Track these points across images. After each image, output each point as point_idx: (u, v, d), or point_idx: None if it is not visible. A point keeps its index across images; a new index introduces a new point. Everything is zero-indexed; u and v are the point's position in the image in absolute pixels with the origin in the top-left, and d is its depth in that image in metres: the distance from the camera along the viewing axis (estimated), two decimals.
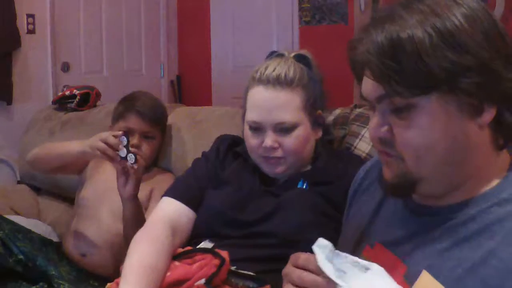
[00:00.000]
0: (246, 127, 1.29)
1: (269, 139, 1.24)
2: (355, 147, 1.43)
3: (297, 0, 3.56)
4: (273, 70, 1.24)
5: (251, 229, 1.20)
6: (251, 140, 1.28)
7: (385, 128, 0.77)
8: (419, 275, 0.76)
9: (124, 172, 1.42)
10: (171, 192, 1.31)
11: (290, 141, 1.25)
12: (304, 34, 3.56)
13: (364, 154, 1.39)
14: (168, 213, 1.26)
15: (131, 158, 1.38)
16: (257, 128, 1.26)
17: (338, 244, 0.98)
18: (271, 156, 1.25)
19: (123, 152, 1.38)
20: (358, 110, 1.54)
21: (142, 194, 1.56)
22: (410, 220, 0.83)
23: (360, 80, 0.81)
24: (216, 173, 1.33)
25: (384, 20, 0.74)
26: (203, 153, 1.42)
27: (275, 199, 1.24)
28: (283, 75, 1.24)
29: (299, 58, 1.30)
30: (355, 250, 0.92)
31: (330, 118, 1.53)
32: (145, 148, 1.64)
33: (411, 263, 0.79)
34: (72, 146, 1.55)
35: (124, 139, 1.38)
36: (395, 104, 0.74)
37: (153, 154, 1.70)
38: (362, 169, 1.06)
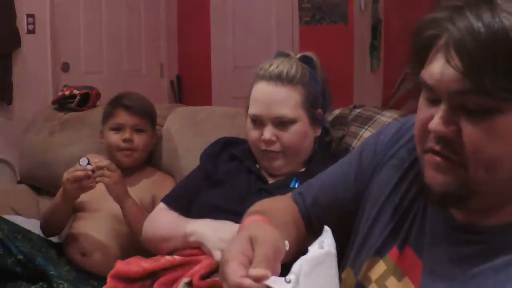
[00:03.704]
0: (248, 121, 1.35)
1: (268, 132, 1.30)
2: (353, 148, 1.43)
3: (297, 0, 3.56)
4: (276, 67, 1.31)
5: None
6: (251, 133, 1.34)
7: (453, 127, 0.65)
8: None
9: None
10: (166, 199, 1.42)
11: (288, 135, 1.30)
12: (304, 34, 3.56)
13: None
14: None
15: (83, 161, 1.47)
16: (257, 122, 1.32)
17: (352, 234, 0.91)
18: (269, 149, 1.30)
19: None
20: (357, 111, 1.54)
21: (144, 199, 1.65)
22: (443, 230, 0.75)
23: (419, 64, 0.70)
24: (209, 175, 1.39)
25: (481, 5, 0.62)
26: (200, 157, 1.47)
27: (269, 196, 1.27)
28: (285, 72, 1.29)
29: (303, 59, 1.36)
30: (381, 247, 0.82)
31: (329, 118, 1.53)
32: (138, 140, 1.70)
33: (430, 278, 0.73)
34: (56, 202, 1.61)
35: (85, 160, 1.47)
36: (475, 103, 0.63)
37: (146, 147, 1.74)
38: (382, 136, 0.90)
